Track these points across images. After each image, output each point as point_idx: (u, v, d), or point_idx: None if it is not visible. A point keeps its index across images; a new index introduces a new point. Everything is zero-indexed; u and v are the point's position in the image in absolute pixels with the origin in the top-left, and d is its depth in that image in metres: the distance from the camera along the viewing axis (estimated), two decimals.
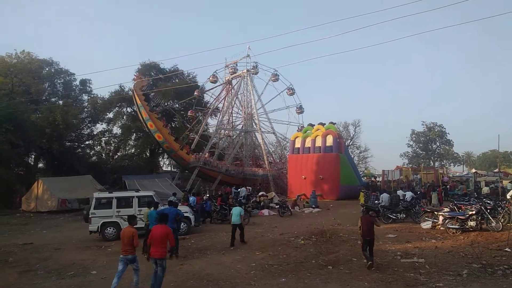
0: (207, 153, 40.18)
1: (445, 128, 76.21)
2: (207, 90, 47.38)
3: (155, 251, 8.21)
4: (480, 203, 16.69)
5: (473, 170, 46.67)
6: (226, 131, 47.25)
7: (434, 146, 78.17)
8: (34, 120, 36.47)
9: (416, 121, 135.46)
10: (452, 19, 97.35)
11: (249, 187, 33.22)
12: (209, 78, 45.01)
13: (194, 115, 45.74)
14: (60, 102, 42.03)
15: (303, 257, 11.78)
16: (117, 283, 8.34)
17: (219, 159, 42.92)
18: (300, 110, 44.63)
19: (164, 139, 37.97)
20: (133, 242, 8.35)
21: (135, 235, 8.43)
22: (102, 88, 61.18)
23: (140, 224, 15.10)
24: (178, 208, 13.76)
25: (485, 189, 31.28)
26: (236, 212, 14.72)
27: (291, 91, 44.10)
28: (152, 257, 8.28)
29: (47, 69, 44.40)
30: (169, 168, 54.88)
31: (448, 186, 33.82)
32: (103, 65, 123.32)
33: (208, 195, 29.07)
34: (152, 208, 13.10)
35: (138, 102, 37.26)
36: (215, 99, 46.90)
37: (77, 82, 46.88)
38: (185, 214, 16.73)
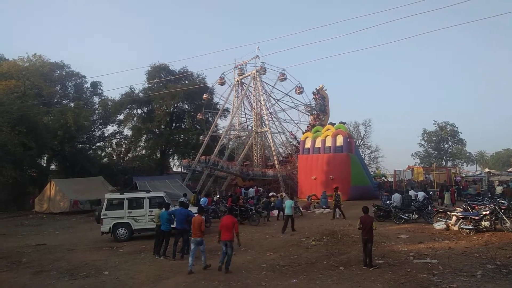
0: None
1: (457, 127, 75.45)
2: (223, 98, 47.51)
3: (225, 235, 10.28)
4: (494, 203, 16.43)
5: (486, 170, 46.05)
6: (236, 132, 47.25)
7: (446, 145, 77.36)
8: (46, 122, 36.94)
9: (428, 120, 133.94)
10: (463, 16, 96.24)
11: (260, 188, 33.14)
12: (217, 80, 45.35)
13: (203, 117, 46.00)
14: (72, 104, 42.50)
15: (314, 258, 11.71)
16: (192, 261, 10.41)
17: (229, 160, 42.95)
18: (309, 108, 44.44)
19: None
20: (201, 227, 10.56)
21: (203, 222, 10.75)
22: (113, 90, 61.55)
23: (151, 225, 15.31)
24: (188, 209, 13.79)
25: (499, 189, 30.80)
26: (288, 205, 17.46)
27: (300, 90, 43.89)
28: (223, 240, 10.30)
29: (58, 72, 45.00)
30: (179, 169, 55.14)
31: (461, 186, 33.42)
32: (114, 67, 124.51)
33: (218, 196, 29.13)
34: (163, 209, 13.13)
35: None
36: (225, 100, 46.95)
37: (88, 85, 47.56)
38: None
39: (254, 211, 20.29)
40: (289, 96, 44.91)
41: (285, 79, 43.11)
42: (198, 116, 45.94)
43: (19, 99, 34.17)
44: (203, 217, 11.25)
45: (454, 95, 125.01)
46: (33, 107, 34.68)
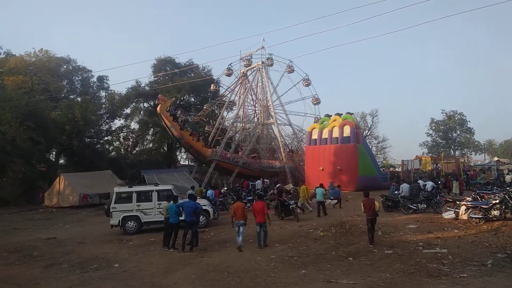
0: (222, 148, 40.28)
1: (465, 116, 74.52)
2: (227, 89, 47.12)
3: (259, 218, 12.34)
4: (504, 192, 16.27)
5: (495, 158, 45.63)
6: (242, 124, 47.19)
7: (454, 134, 76.55)
8: (54, 117, 37.17)
9: (435, 109, 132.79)
10: (471, 2, 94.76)
11: (266, 180, 33.09)
12: (224, 72, 45.14)
13: (209, 108, 45.84)
14: (79, 99, 42.71)
15: (323, 248, 11.72)
16: (240, 240, 12.10)
17: (236, 152, 42.99)
18: (317, 101, 44.31)
19: (200, 151, 38.39)
20: (243, 212, 12.26)
21: (244, 208, 12.50)
22: (119, 84, 61.79)
23: (159, 217, 15.40)
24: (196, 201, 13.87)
25: (508, 178, 30.49)
26: (319, 192, 19.01)
27: (307, 82, 43.73)
28: (258, 222, 12.36)
29: (65, 66, 45.20)
30: (186, 162, 55.33)
31: (469, 175, 33.15)
32: (119, 61, 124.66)
33: (225, 188, 29.18)
34: (172, 201, 13.20)
35: (168, 123, 37.36)
36: (230, 91, 46.70)
37: (95, 79, 47.70)
38: (204, 207, 16.84)
39: (293, 205, 18.40)
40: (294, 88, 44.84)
41: (293, 71, 42.96)
42: (204, 107, 45.75)
43: (27, 94, 34.40)
44: (243, 203, 13.27)
45: (462, 83, 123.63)
46: (41, 102, 34.89)
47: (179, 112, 39.53)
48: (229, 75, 45.54)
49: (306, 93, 45.15)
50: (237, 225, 12.23)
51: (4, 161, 29.74)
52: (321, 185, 21.08)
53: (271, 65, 43.26)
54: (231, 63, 45.00)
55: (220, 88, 48.71)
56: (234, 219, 12.37)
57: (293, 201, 19.00)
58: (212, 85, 44.70)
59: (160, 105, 37.17)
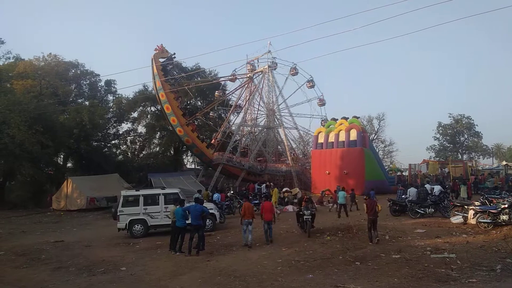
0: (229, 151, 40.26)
1: (473, 120, 73.99)
2: (233, 91, 47.06)
3: (267, 216, 13.53)
4: None
5: (504, 163, 45.18)
6: (249, 128, 47.20)
7: (462, 138, 76.03)
8: (62, 121, 37.38)
9: (442, 113, 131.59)
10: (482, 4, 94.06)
11: (271, 183, 33.08)
12: (228, 77, 45.25)
13: (215, 116, 45.86)
14: (87, 103, 42.97)
15: (329, 253, 11.67)
16: (244, 236, 13.27)
17: (242, 155, 43.02)
18: (322, 102, 44.33)
19: (172, 111, 37.68)
20: (252, 212, 13.49)
21: (253, 208, 13.94)
22: (127, 88, 62.07)
23: (166, 221, 15.45)
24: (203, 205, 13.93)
25: None
26: (341, 195, 20.29)
27: (311, 84, 43.81)
28: (265, 220, 13.56)
29: (73, 71, 45.47)
30: (193, 166, 55.38)
31: (477, 179, 32.87)
32: (127, 65, 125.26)
33: (232, 191, 29.20)
34: (178, 205, 13.23)
35: (155, 71, 37.16)
36: (236, 96, 46.81)
37: (102, 83, 47.91)
38: (211, 211, 16.86)
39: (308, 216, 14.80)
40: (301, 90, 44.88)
41: (297, 73, 43.09)
42: (210, 114, 45.93)
43: (36, 98, 34.66)
44: (252, 204, 14.90)
45: (470, 87, 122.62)
46: (49, 106, 35.14)
47: (170, 67, 39.90)
48: (233, 80, 45.61)
49: (311, 95, 45.21)
50: (245, 223, 13.21)
51: (12, 165, 30.01)
52: (343, 188, 21.60)
53: (275, 68, 43.42)
54: (235, 68, 45.20)
55: (226, 91, 48.76)
56: (242, 218, 13.37)
57: (308, 211, 14.80)
58: (216, 92, 44.59)
59: (156, 52, 37.53)
